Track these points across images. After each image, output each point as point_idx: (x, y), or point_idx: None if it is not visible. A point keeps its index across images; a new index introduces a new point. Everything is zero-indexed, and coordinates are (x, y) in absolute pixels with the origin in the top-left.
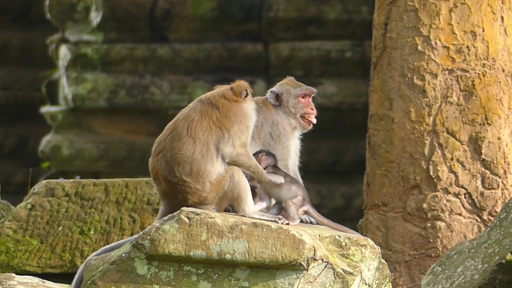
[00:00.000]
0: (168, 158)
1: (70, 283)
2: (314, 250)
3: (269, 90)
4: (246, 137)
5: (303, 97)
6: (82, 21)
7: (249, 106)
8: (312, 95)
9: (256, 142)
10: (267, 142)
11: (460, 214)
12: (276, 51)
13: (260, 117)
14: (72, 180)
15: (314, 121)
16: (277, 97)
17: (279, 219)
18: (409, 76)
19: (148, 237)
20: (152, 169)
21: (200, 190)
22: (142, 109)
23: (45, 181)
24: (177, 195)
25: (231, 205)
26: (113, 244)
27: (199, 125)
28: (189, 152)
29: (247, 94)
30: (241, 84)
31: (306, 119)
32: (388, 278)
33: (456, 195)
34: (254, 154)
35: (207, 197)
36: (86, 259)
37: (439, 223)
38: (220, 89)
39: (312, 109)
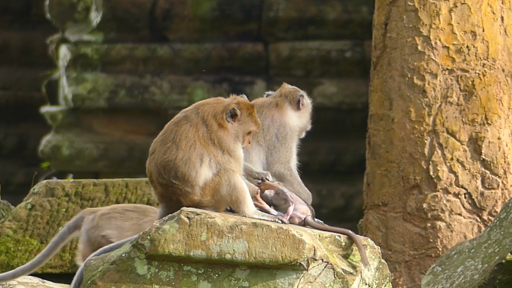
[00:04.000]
0: (156, 160)
1: (70, 283)
2: (314, 250)
3: (300, 94)
4: (229, 163)
5: None
6: (82, 21)
7: (236, 131)
8: None
9: (261, 145)
10: (272, 144)
11: (460, 214)
12: (276, 51)
13: (267, 119)
14: (71, 180)
15: None
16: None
17: (279, 218)
18: (409, 76)
19: (148, 237)
20: (147, 171)
21: (191, 192)
22: (142, 109)
23: (45, 181)
24: (171, 197)
25: (231, 208)
26: (113, 244)
27: (184, 134)
28: (172, 157)
29: (235, 115)
30: (240, 101)
31: None
32: (388, 278)
33: (456, 195)
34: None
35: (202, 201)
36: (86, 259)
37: (439, 223)
38: (218, 103)
39: None
